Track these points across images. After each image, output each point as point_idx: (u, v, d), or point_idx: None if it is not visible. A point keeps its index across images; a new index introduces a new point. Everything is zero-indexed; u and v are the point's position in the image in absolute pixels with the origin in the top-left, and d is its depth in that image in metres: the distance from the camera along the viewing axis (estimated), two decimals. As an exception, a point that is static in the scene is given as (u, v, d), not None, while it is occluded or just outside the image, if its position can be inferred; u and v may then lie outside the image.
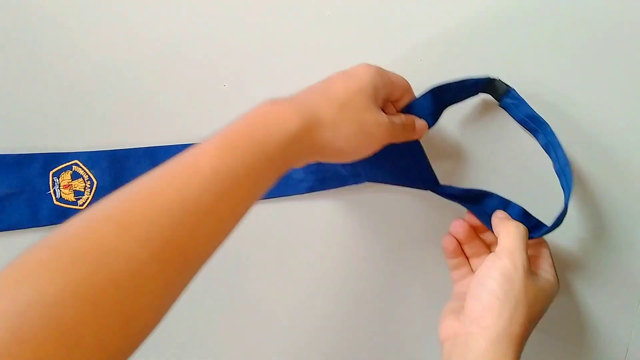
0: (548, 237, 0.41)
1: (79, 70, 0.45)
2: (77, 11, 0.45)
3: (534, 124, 0.43)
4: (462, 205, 0.42)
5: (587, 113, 0.44)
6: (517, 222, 0.38)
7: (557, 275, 0.39)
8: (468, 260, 0.43)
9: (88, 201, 0.44)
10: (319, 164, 0.44)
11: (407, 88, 0.41)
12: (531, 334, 0.46)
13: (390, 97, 0.40)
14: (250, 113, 0.32)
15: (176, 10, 0.45)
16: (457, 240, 0.42)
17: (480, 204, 0.42)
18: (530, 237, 0.40)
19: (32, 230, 0.44)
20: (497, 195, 0.42)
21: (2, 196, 0.44)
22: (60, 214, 0.44)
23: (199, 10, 0.45)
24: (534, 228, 0.41)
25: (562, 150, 0.41)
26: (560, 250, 0.45)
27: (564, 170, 0.41)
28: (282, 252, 0.46)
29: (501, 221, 0.39)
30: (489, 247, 0.43)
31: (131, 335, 0.25)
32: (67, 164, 0.45)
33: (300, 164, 0.34)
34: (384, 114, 0.37)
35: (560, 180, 0.42)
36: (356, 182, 0.45)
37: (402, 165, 0.42)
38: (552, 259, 0.40)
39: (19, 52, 0.45)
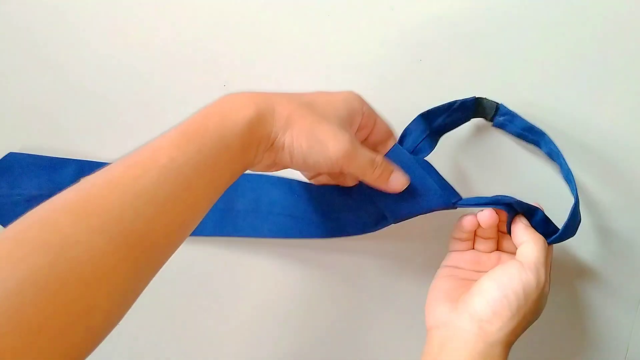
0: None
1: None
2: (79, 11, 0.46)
3: (532, 136, 0.42)
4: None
5: (581, 118, 0.44)
6: (540, 235, 0.37)
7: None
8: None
9: None
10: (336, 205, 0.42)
11: (390, 132, 0.39)
12: (530, 334, 0.44)
13: (367, 131, 0.38)
14: (208, 105, 0.32)
15: (176, 10, 0.45)
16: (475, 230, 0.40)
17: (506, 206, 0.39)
18: (549, 242, 0.39)
19: None
20: (519, 201, 0.39)
21: (30, 197, 0.44)
22: None
23: (199, 10, 0.45)
24: (551, 234, 0.40)
25: (563, 158, 0.40)
26: (561, 250, 0.45)
27: (568, 178, 0.41)
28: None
29: (527, 230, 0.37)
30: (500, 247, 0.41)
31: (93, 326, 0.25)
32: None
33: (261, 159, 0.33)
34: (352, 137, 0.34)
35: (570, 187, 0.41)
36: (382, 226, 0.41)
37: (419, 185, 0.38)
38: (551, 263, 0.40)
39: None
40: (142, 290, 0.27)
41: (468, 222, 0.39)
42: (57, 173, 0.45)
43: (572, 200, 0.39)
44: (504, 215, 0.38)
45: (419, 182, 0.37)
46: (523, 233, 0.37)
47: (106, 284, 0.25)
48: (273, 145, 0.33)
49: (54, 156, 0.45)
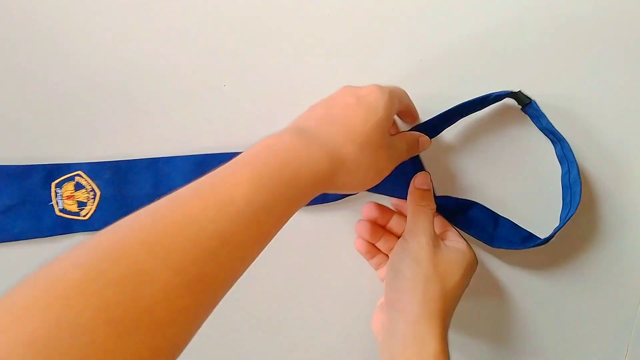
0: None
1: (76, 78, 0.45)
2: (75, 16, 0.45)
3: (553, 136, 0.43)
4: (447, 219, 0.43)
5: (575, 104, 0.44)
6: (423, 201, 0.39)
7: (469, 245, 0.40)
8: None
9: (91, 212, 0.44)
10: None
11: (412, 106, 0.41)
12: (531, 334, 0.46)
13: (399, 117, 0.41)
14: (280, 146, 0.32)
15: (176, 10, 0.45)
16: (368, 241, 0.43)
17: (467, 214, 0.43)
18: (523, 247, 0.41)
19: (35, 241, 0.45)
20: (484, 208, 0.43)
21: (4, 208, 0.44)
22: (63, 225, 0.44)
23: (199, 10, 0.45)
24: (527, 239, 0.42)
25: (577, 168, 0.41)
26: (561, 250, 0.45)
27: (573, 186, 0.41)
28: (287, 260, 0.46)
29: (409, 196, 0.40)
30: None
31: None
32: (70, 174, 0.45)
33: (318, 194, 0.35)
34: (394, 143, 0.37)
35: (563, 193, 0.43)
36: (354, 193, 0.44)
37: (400, 173, 0.41)
38: (461, 236, 0.42)
39: (18, 60, 0.45)
40: (197, 331, 0.27)
41: (358, 244, 0.43)
42: (27, 180, 0.44)
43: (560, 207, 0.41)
44: (371, 211, 0.42)
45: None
46: (408, 198, 0.41)
47: (176, 325, 0.25)
48: (339, 189, 0.35)
49: (20, 164, 0.44)
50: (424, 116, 0.44)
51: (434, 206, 0.40)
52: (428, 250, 0.37)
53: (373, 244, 0.43)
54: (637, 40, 0.43)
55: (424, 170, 0.43)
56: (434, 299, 0.35)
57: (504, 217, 0.43)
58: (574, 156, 0.41)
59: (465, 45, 0.44)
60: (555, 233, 0.40)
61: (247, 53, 0.45)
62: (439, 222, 0.43)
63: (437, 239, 0.38)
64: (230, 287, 0.28)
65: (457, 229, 0.43)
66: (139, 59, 0.45)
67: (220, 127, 0.45)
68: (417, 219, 0.39)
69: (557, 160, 0.44)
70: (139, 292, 0.23)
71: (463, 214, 0.43)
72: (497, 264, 0.45)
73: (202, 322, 0.27)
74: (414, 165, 0.42)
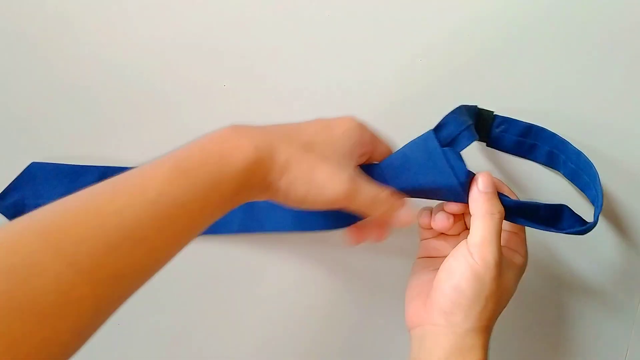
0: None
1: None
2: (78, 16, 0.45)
3: (531, 140, 0.41)
4: (508, 219, 0.37)
5: (583, 119, 0.44)
6: (492, 208, 0.34)
7: (527, 255, 0.38)
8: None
9: None
10: None
11: (390, 152, 0.38)
12: (530, 334, 0.46)
13: (367, 156, 0.36)
14: (208, 137, 0.30)
15: (176, 10, 0.44)
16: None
17: (530, 216, 0.37)
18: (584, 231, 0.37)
19: None
20: (545, 204, 0.37)
21: None
22: None
23: (199, 10, 0.44)
24: (584, 223, 0.37)
25: (578, 151, 0.39)
26: (561, 250, 0.45)
27: (584, 167, 0.39)
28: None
29: (478, 199, 0.35)
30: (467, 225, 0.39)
31: (47, 357, 0.23)
32: None
33: (254, 199, 0.32)
34: (352, 174, 0.33)
35: (574, 182, 0.41)
36: None
37: (439, 180, 0.35)
38: (524, 235, 0.39)
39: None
40: (103, 323, 0.26)
41: (424, 220, 0.39)
42: (79, 181, 0.45)
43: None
44: (449, 221, 0.37)
45: (441, 174, 0.35)
46: (473, 204, 0.35)
47: (68, 317, 0.24)
48: (268, 189, 0.32)
49: (75, 164, 0.46)
50: (424, 116, 0.41)
51: (503, 210, 0.35)
52: (495, 273, 0.34)
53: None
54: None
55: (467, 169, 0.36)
56: (488, 317, 0.34)
57: (565, 207, 0.37)
58: (563, 138, 0.40)
59: (465, 45, 0.44)
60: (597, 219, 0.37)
61: (247, 53, 0.45)
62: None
63: (502, 257, 0.35)
64: (141, 282, 0.27)
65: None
66: (139, 60, 0.45)
67: (216, 128, 0.43)
68: (484, 231, 0.34)
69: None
70: (29, 282, 0.23)
71: (526, 214, 0.37)
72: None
73: (106, 315, 0.26)
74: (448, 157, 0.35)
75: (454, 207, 0.37)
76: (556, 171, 0.44)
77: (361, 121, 0.35)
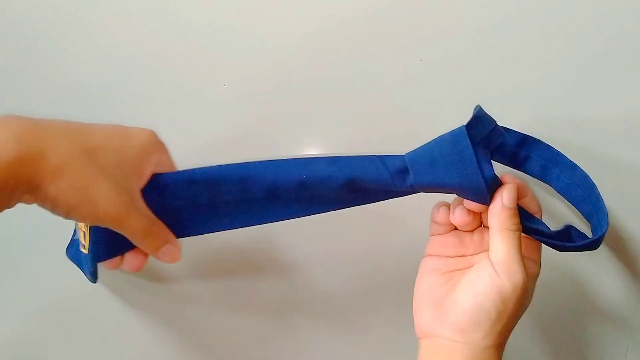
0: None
1: (87, 71, 0.45)
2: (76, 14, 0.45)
3: (525, 151, 0.41)
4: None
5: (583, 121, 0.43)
6: (514, 225, 0.34)
7: (540, 257, 0.38)
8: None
9: None
10: (360, 182, 0.37)
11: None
12: (531, 334, 0.46)
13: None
14: None
15: (176, 11, 0.45)
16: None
17: (544, 236, 0.37)
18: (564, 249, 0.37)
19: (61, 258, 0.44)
20: (554, 231, 0.38)
21: None
22: None
23: (199, 10, 0.45)
24: (585, 237, 0.38)
25: (573, 164, 0.39)
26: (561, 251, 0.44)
27: (579, 181, 0.39)
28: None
29: (497, 218, 0.34)
30: (483, 222, 0.38)
31: None
32: None
33: (19, 201, 0.30)
34: (129, 200, 0.32)
35: (567, 197, 0.41)
36: (405, 194, 0.38)
37: (465, 181, 0.34)
38: (540, 245, 0.38)
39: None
40: None
41: (442, 214, 0.38)
42: None
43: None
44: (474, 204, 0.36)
45: (468, 174, 0.34)
46: (494, 218, 0.34)
47: None
48: (35, 192, 0.29)
49: None
50: (427, 117, 0.44)
51: (521, 227, 0.34)
52: (520, 293, 0.33)
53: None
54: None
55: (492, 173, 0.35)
56: (506, 334, 0.34)
57: (572, 227, 0.38)
58: (557, 150, 0.40)
59: (465, 45, 0.44)
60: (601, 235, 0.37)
61: (247, 53, 0.45)
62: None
63: (527, 277, 0.33)
64: None
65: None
66: (139, 61, 0.45)
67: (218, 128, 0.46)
68: (509, 247, 0.33)
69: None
70: None
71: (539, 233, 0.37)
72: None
73: None
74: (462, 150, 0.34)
75: (474, 205, 0.35)
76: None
77: (160, 140, 0.34)
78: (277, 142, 0.46)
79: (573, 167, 0.40)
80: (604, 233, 0.36)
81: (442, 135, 0.35)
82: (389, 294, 0.47)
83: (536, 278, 0.37)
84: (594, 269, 0.45)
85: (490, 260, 0.33)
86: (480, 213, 0.37)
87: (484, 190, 0.34)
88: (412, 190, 0.36)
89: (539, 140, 0.41)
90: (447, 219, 0.38)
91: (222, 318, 0.48)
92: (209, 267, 0.47)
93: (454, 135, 0.34)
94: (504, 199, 0.34)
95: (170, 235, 0.36)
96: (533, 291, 0.36)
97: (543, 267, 0.44)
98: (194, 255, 0.47)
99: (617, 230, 0.45)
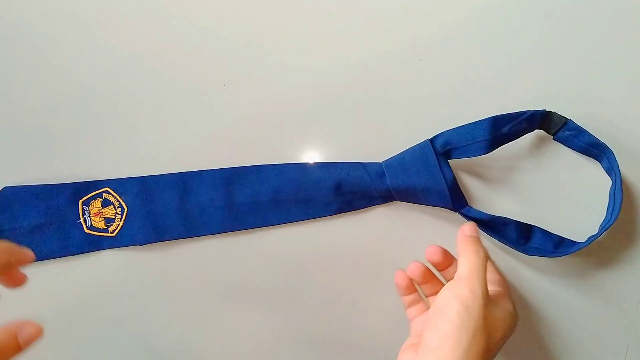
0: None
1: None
2: (79, 21, 0.46)
3: (597, 150, 0.43)
4: (483, 230, 0.42)
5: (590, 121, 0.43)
6: (478, 246, 0.37)
7: (515, 307, 0.39)
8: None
9: (119, 228, 0.45)
10: (346, 184, 0.44)
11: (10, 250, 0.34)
12: (530, 334, 0.45)
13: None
14: None
15: (176, 11, 0.45)
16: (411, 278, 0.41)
17: (501, 231, 0.43)
18: (556, 255, 0.42)
19: (64, 259, 0.45)
20: (516, 222, 0.42)
21: (32, 227, 0.45)
22: (91, 242, 0.45)
23: (199, 10, 0.45)
24: (559, 245, 0.42)
25: (620, 179, 0.42)
26: None
27: (616, 197, 0.42)
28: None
29: (462, 243, 0.38)
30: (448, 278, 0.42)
31: None
32: (97, 192, 0.45)
33: None
34: None
35: (609, 204, 0.43)
36: (385, 202, 0.45)
37: (430, 183, 0.42)
38: (510, 295, 0.40)
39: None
40: None
41: (399, 277, 0.42)
42: (54, 199, 0.45)
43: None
44: (435, 255, 0.40)
45: (433, 180, 0.42)
46: (460, 245, 0.38)
47: None
48: None
49: (47, 184, 0.45)
50: (429, 116, 0.44)
51: (486, 251, 0.38)
52: (481, 301, 0.34)
53: (412, 283, 0.42)
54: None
55: (455, 181, 0.42)
56: (477, 352, 0.33)
57: (536, 227, 0.43)
58: (618, 166, 0.42)
59: (465, 45, 0.44)
60: (590, 241, 0.41)
61: (247, 53, 0.45)
62: (491, 280, 0.41)
63: (488, 291, 0.36)
64: None
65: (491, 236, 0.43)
66: (139, 61, 0.45)
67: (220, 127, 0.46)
68: (472, 264, 0.36)
69: (593, 178, 0.44)
70: None
71: (497, 229, 0.43)
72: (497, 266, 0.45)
73: None
74: (445, 172, 0.42)
75: (432, 252, 0.41)
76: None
77: None
78: (277, 143, 0.46)
79: (619, 192, 0.42)
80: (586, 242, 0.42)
81: (412, 146, 0.42)
82: (389, 294, 0.47)
83: (510, 314, 0.37)
84: (594, 269, 0.46)
85: (454, 279, 0.36)
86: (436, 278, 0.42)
87: (445, 190, 0.42)
88: (389, 193, 0.44)
89: (609, 148, 0.43)
90: (407, 281, 0.42)
91: (222, 318, 0.48)
92: (209, 267, 0.47)
93: (421, 146, 0.42)
94: (465, 231, 0.39)
95: (25, 252, 0.34)
96: (505, 325, 0.36)
97: (543, 267, 0.45)
98: (194, 255, 0.47)
99: (617, 230, 0.45)
